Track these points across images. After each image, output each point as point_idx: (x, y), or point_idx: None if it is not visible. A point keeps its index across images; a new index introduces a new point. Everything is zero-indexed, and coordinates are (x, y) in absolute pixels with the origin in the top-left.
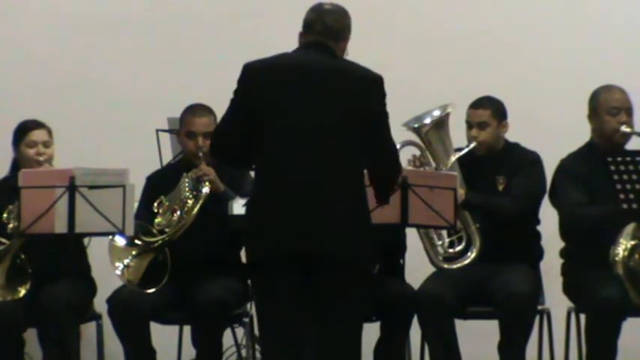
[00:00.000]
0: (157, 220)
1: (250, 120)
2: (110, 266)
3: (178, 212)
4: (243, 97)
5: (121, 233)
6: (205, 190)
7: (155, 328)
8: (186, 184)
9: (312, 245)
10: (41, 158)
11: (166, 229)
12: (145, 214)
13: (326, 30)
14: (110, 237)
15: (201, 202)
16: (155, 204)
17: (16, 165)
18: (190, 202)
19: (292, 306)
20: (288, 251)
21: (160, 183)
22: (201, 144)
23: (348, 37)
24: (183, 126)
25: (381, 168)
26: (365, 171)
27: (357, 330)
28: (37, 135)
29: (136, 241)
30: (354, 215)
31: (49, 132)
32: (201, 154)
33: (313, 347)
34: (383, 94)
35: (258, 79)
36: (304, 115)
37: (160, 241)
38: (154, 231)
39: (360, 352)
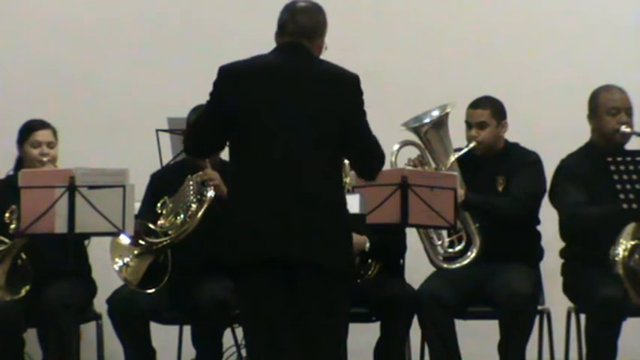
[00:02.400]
0: (159, 222)
1: (225, 122)
2: (110, 266)
3: (182, 216)
4: (219, 99)
5: (125, 232)
6: (210, 194)
7: (155, 328)
8: (191, 188)
9: (291, 251)
10: (45, 159)
11: (169, 232)
12: (147, 212)
13: (299, 30)
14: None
15: (205, 206)
16: (158, 204)
17: (20, 164)
18: (194, 206)
19: (274, 311)
20: (267, 256)
21: (164, 182)
22: None
23: (323, 33)
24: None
25: (365, 164)
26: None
27: (340, 335)
28: (42, 135)
29: (140, 242)
30: (333, 220)
31: (54, 133)
32: None
33: (296, 353)
34: (359, 94)
35: (234, 81)
36: (279, 119)
37: (162, 243)
38: (154, 229)
39: (344, 356)
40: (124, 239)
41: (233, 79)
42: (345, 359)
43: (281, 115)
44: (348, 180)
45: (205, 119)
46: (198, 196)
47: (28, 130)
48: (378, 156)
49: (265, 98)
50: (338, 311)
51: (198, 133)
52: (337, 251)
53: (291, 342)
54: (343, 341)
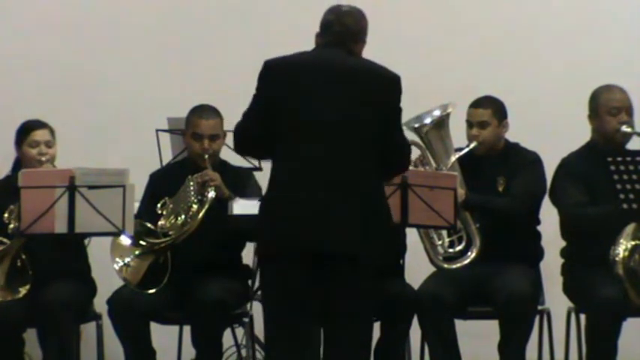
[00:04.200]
0: (160, 223)
1: (270, 116)
2: (110, 266)
3: (183, 216)
4: (264, 93)
5: (126, 233)
6: (211, 194)
7: (155, 328)
8: (191, 188)
9: (324, 244)
10: (43, 158)
11: (170, 232)
12: (146, 211)
13: (344, 31)
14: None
15: (206, 207)
16: (159, 205)
17: (19, 165)
18: (195, 207)
19: (300, 304)
20: (300, 248)
21: (163, 182)
22: (207, 146)
23: (364, 39)
24: (190, 127)
25: (393, 162)
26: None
27: (367, 330)
28: (40, 135)
29: (141, 242)
30: (370, 214)
31: (52, 132)
32: (206, 157)
33: (323, 346)
34: (400, 93)
35: (279, 75)
36: (323, 112)
37: (163, 244)
38: (153, 228)
39: (369, 352)
40: (125, 239)
41: (277, 73)
42: (370, 350)
43: (325, 110)
44: None
45: (250, 113)
46: (199, 197)
47: (26, 130)
48: (404, 159)
49: (310, 92)
50: (367, 308)
51: (246, 129)
52: (371, 247)
53: (313, 333)
54: (370, 333)
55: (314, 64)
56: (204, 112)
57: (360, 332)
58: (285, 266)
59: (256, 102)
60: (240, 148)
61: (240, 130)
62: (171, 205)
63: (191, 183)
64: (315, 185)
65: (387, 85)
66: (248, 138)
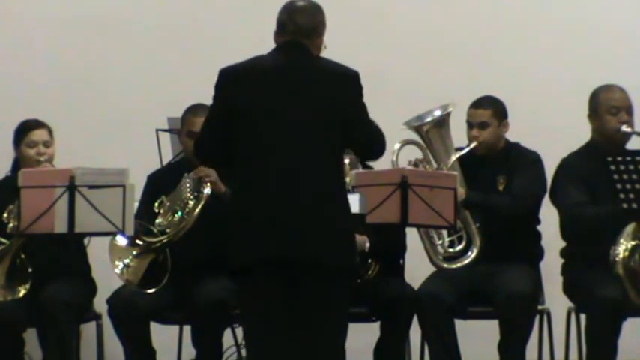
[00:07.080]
0: (157, 221)
1: (229, 124)
2: (110, 265)
3: (179, 213)
4: (222, 101)
5: (122, 233)
6: (206, 191)
7: (155, 328)
8: (187, 185)
9: (294, 249)
10: (42, 158)
11: (167, 230)
12: (145, 213)
13: (298, 30)
14: (111, 236)
15: (202, 203)
16: (156, 204)
17: (17, 165)
18: (191, 203)
19: (277, 311)
20: (271, 255)
21: (161, 182)
22: None
23: (322, 32)
24: (185, 126)
25: (367, 153)
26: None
27: (341, 334)
28: (38, 135)
29: (137, 241)
30: (337, 218)
31: (50, 132)
32: None
33: (299, 352)
34: (359, 89)
35: (235, 82)
36: (282, 117)
37: (160, 242)
38: (155, 231)
39: (344, 356)
40: (121, 240)
41: (234, 80)
42: (343, 358)
43: (282, 115)
44: (348, 180)
45: (210, 123)
46: (195, 194)
47: (24, 130)
48: (379, 144)
49: (266, 99)
50: (338, 310)
51: (206, 139)
52: (340, 250)
53: (291, 342)
54: (343, 341)
55: (271, 69)
56: (198, 110)
57: (332, 337)
58: (260, 274)
59: (215, 112)
60: (202, 159)
61: (200, 143)
62: (168, 203)
63: (187, 180)
64: (281, 191)
65: (346, 82)
66: (210, 149)
